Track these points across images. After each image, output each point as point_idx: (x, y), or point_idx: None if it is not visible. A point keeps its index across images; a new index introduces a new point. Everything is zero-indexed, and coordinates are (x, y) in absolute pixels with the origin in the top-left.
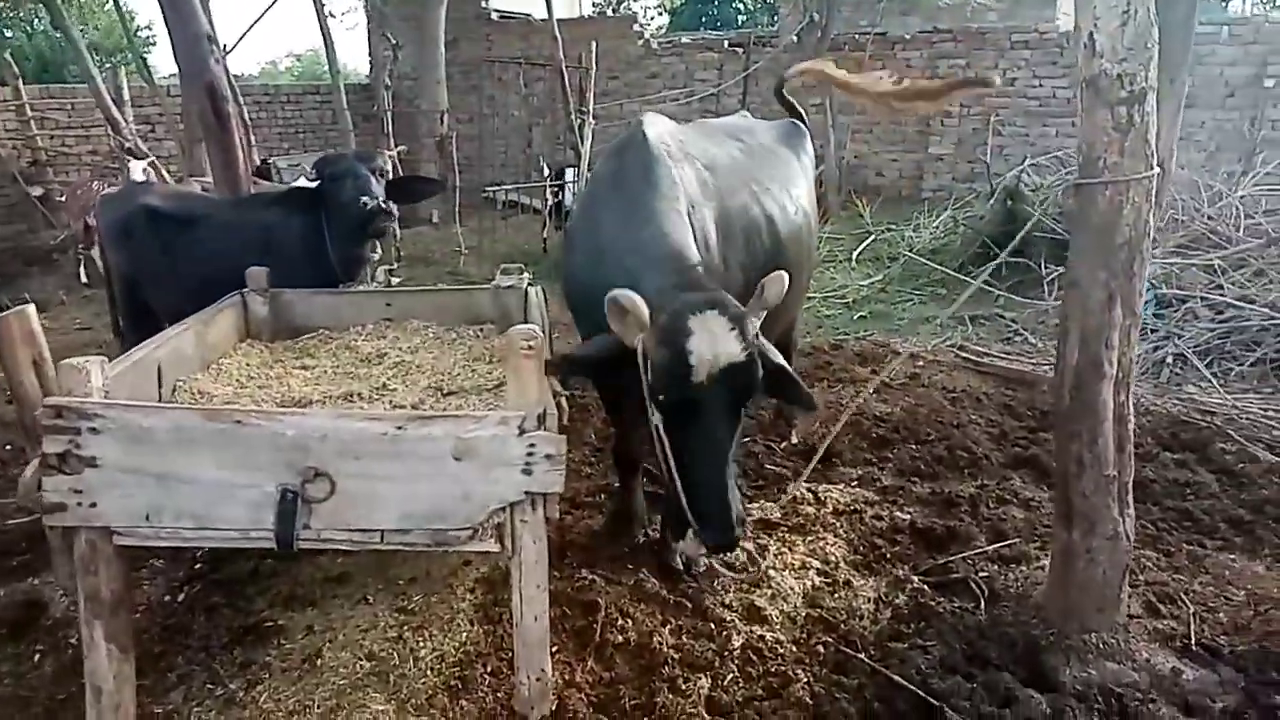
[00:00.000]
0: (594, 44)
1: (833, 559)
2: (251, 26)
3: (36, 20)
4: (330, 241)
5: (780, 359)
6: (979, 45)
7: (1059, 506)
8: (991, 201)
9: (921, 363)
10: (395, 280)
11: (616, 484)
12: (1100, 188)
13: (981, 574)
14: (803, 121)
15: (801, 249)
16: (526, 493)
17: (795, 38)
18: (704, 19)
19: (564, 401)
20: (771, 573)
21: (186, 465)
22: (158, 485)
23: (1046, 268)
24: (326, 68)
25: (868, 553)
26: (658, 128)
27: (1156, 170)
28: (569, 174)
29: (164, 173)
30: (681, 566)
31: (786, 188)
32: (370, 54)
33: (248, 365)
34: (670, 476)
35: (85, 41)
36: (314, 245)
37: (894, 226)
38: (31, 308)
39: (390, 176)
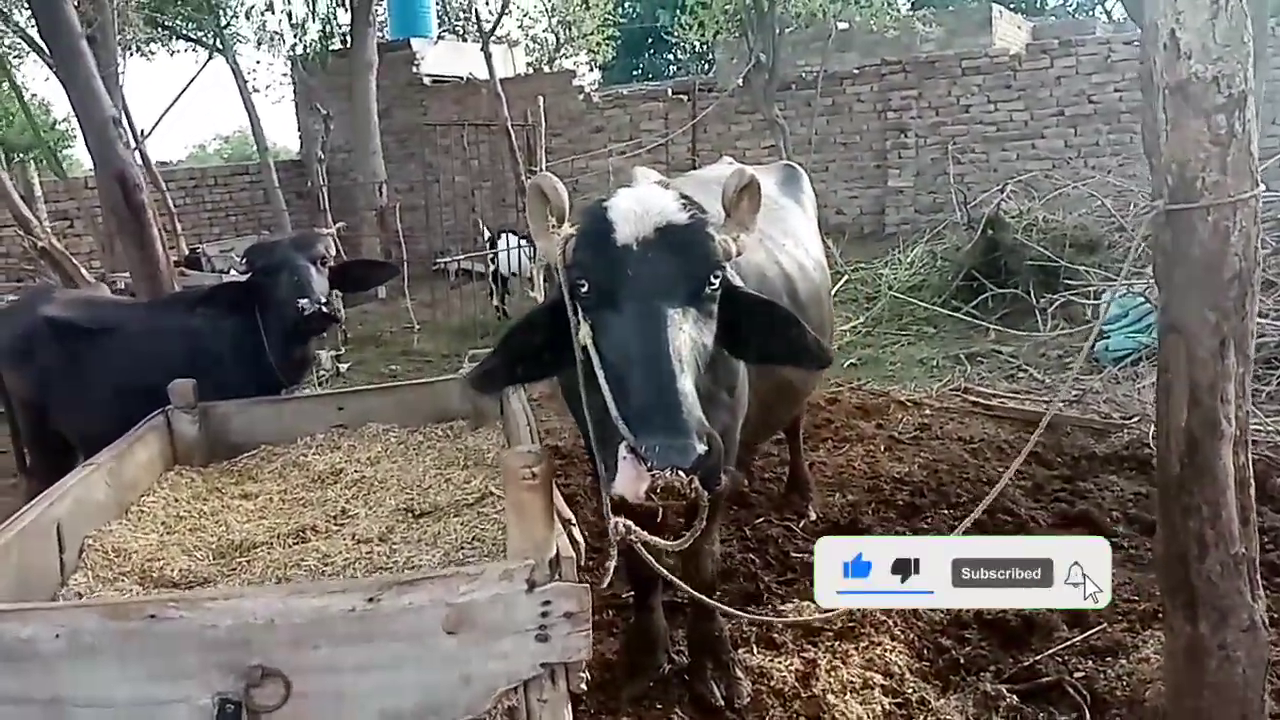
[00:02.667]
0: (540, 99)
1: (896, 670)
2: (169, 108)
3: None
4: (268, 343)
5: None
6: (929, 74)
7: (1175, 594)
8: (969, 231)
9: (929, 411)
10: (343, 367)
11: (628, 597)
12: (1201, 213)
13: (1077, 674)
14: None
15: (823, 311)
16: (544, 665)
17: (741, 81)
18: (635, 72)
19: (577, 533)
20: (830, 698)
21: (88, 683)
22: (47, 716)
23: (1038, 297)
24: (252, 153)
25: (935, 658)
26: (649, 180)
27: (1263, 188)
28: (505, 240)
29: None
30: (722, 699)
31: (800, 241)
32: (300, 128)
33: (176, 501)
34: (605, 394)
35: None
36: (248, 348)
37: (865, 265)
38: None
39: (332, 261)
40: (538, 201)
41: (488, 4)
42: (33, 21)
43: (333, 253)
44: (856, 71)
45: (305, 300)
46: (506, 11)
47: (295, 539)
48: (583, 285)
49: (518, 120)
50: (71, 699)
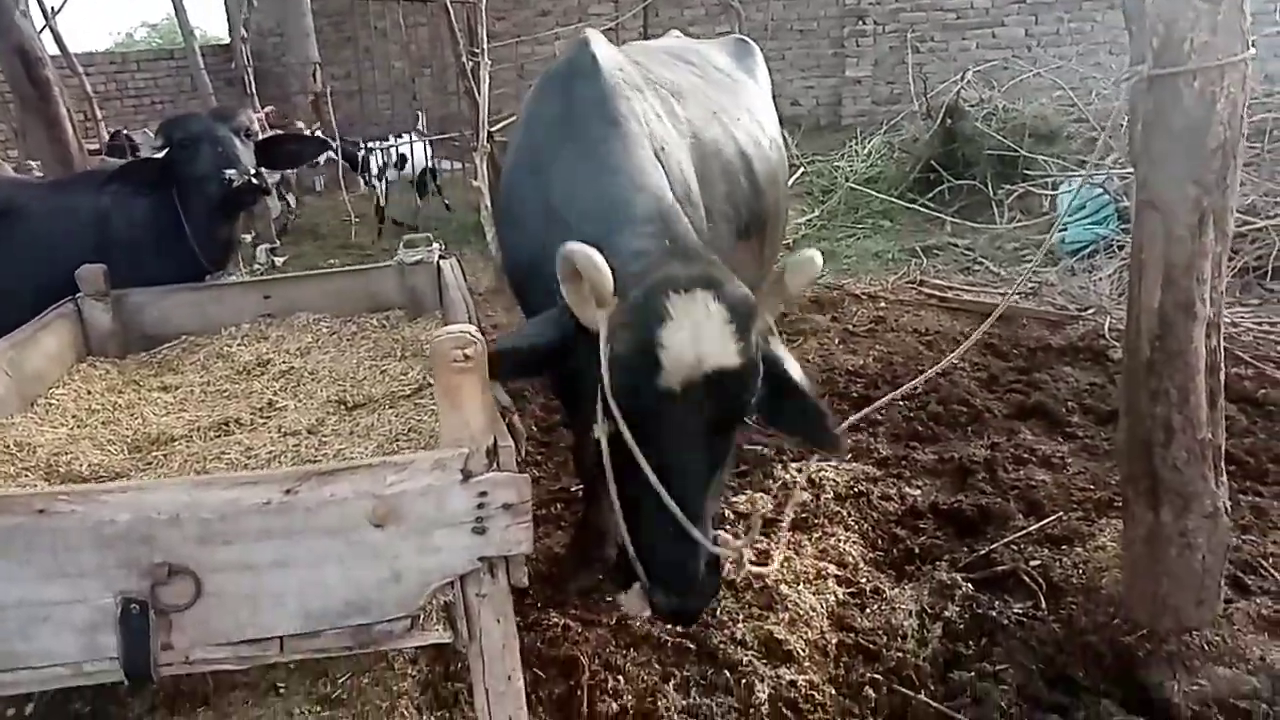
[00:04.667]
0: None
1: (850, 560)
2: None
3: None
4: (187, 223)
5: (799, 373)
6: None
7: (1137, 481)
8: (928, 122)
9: (884, 304)
10: (279, 260)
11: (576, 490)
12: (1187, 78)
13: (1033, 562)
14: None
15: (779, 191)
16: (482, 559)
17: None
18: None
19: (517, 420)
20: (784, 588)
21: None
22: None
23: (995, 189)
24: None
25: (889, 547)
26: (606, 49)
27: (1253, 51)
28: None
29: None
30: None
31: (755, 117)
32: (227, 8)
33: (88, 394)
34: (617, 508)
35: None
36: (166, 230)
37: (821, 158)
38: None
39: (258, 135)
40: (571, 280)
41: None
42: None
43: (258, 129)
44: None
45: (232, 171)
46: None
47: (217, 432)
48: (617, 402)
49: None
50: None
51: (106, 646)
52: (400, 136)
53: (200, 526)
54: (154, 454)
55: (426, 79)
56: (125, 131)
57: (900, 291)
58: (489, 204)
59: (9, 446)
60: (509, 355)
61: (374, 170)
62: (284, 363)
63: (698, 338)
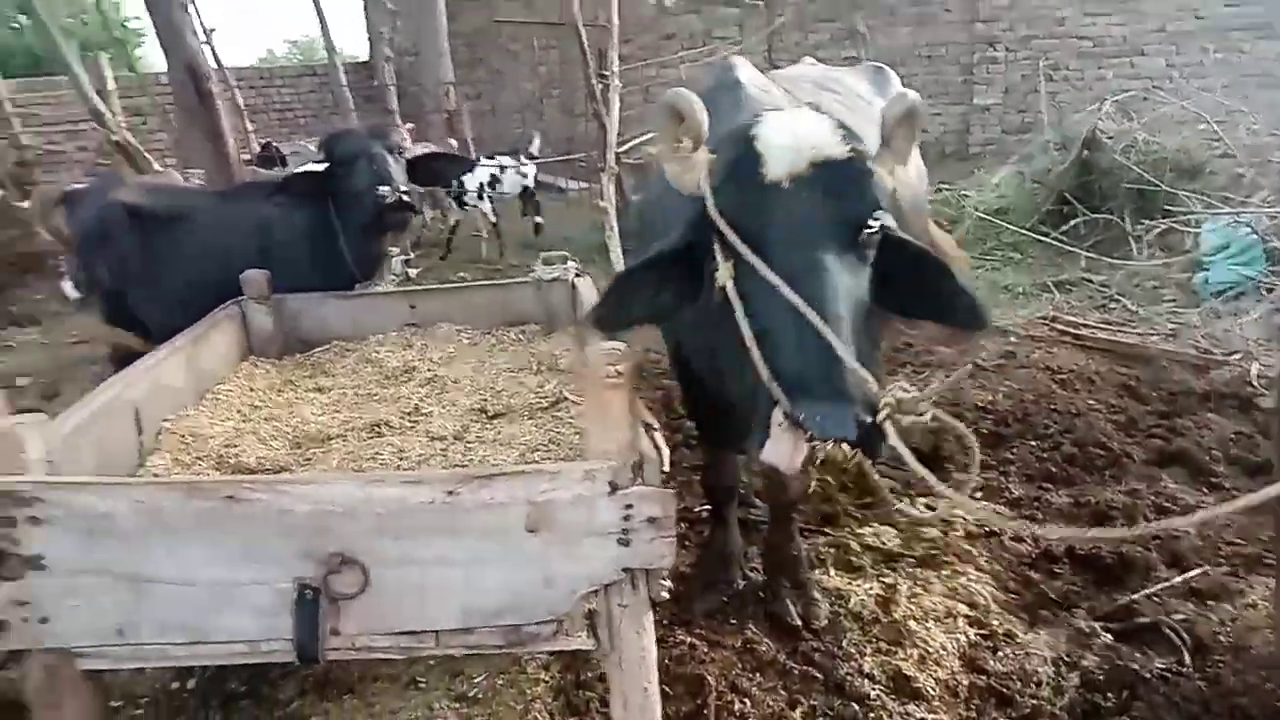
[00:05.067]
0: (614, 1)
1: (981, 601)
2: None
3: (27, 16)
4: (343, 235)
5: (920, 244)
6: None
7: None
8: (1061, 153)
9: (1014, 339)
10: (413, 272)
11: (704, 512)
12: None
13: (1177, 616)
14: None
15: (923, 221)
16: (625, 570)
17: None
18: None
19: (660, 438)
20: (912, 624)
21: (168, 561)
22: (131, 590)
23: (1134, 224)
24: (324, 49)
25: (1023, 590)
26: (750, 72)
27: None
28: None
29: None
30: (798, 619)
31: None
32: (368, 29)
33: (251, 391)
34: (754, 352)
35: (73, 35)
36: (322, 241)
37: (948, 186)
38: None
39: (408, 154)
40: (669, 119)
41: None
42: None
43: (409, 145)
44: None
45: (385, 188)
46: None
47: (370, 433)
48: (728, 228)
49: (586, 22)
50: (151, 575)
51: (282, 628)
52: (492, 158)
53: (371, 521)
54: (313, 450)
55: (555, 100)
56: (274, 143)
57: (1031, 327)
58: (614, 224)
59: (185, 436)
60: (622, 283)
61: (472, 190)
62: (428, 370)
63: (797, 129)
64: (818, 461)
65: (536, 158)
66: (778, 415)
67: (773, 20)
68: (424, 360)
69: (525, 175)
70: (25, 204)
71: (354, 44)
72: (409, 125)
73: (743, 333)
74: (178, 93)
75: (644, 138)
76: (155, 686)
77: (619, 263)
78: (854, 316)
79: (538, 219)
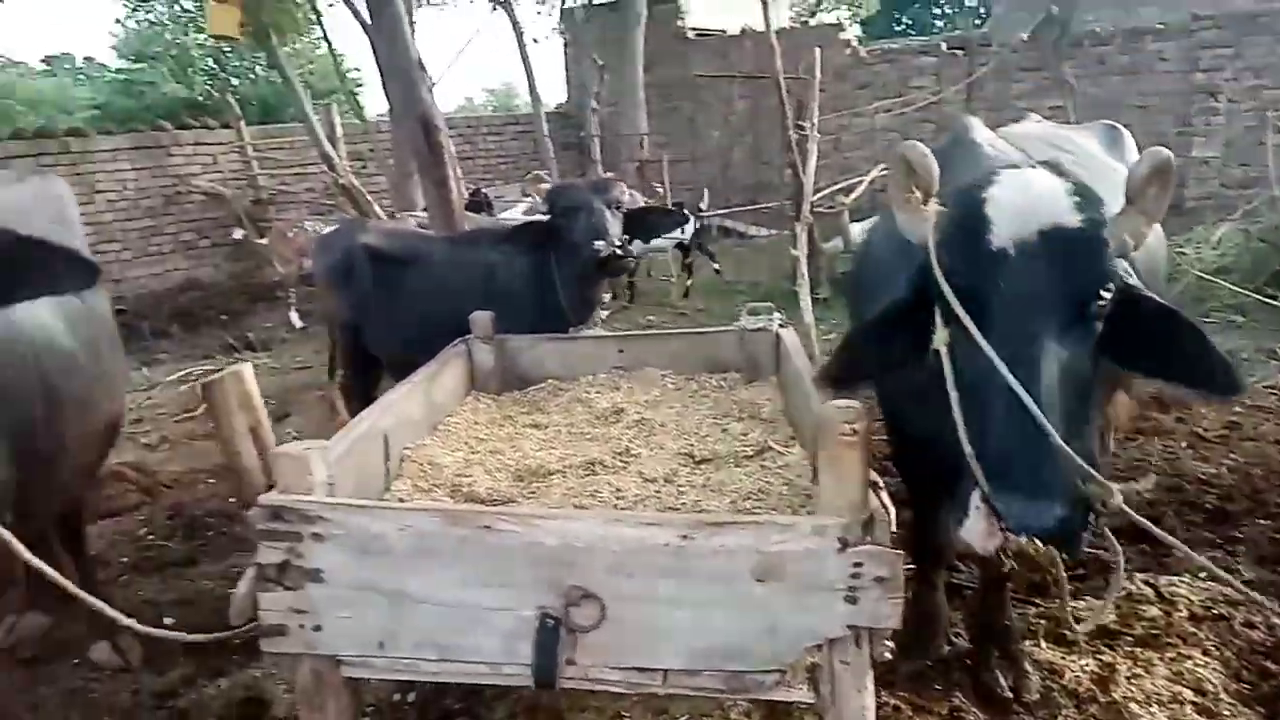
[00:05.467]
0: (817, 52)
1: (1209, 688)
2: (457, 56)
3: (259, 66)
4: (560, 282)
5: (1167, 304)
6: (1249, 30)
7: None
8: None
9: (1239, 408)
10: (604, 314)
11: (910, 573)
12: None
13: None
14: None
15: (1160, 285)
16: (850, 627)
17: (1027, 35)
18: (897, 27)
19: (888, 498)
20: (1134, 707)
21: (427, 581)
22: (393, 606)
23: None
24: (519, 101)
25: (1258, 681)
26: (985, 133)
27: None
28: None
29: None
30: (1009, 691)
31: None
32: (568, 80)
33: (476, 424)
34: (960, 423)
35: (301, 83)
36: (541, 286)
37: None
38: (248, 368)
39: (625, 207)
40: (902, 170)
41: None
42: None
43: (627, 199)
44: (1161, 27)
45: (601, 242)
46: None
47: (586, 471)
48: (947, 290)
49: (787, 73)
50: (413, 594)
51: (522, 653)
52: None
53: (610, 558)
54: (536, 485)
55: (743, 147)
56: (482, 189)
57: (1258, 396)
58: (805, 272)
59: (423, 464)
60: (852, 343)
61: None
62: (636, 413)
63: (1028, 194)
64: (1010, 552)
65: (701, 213)
66: (976, 497)
67: (973, 69)
68: (631, 402)
69: (683, 231)
70: (262, 240)
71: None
72: (610, 174)
73: (952, 403)
74: (412, 144)
75: (835, 187)
76: (379, 697)
77: (808, 311)
78: (1072, 398)
79: (689, 281)
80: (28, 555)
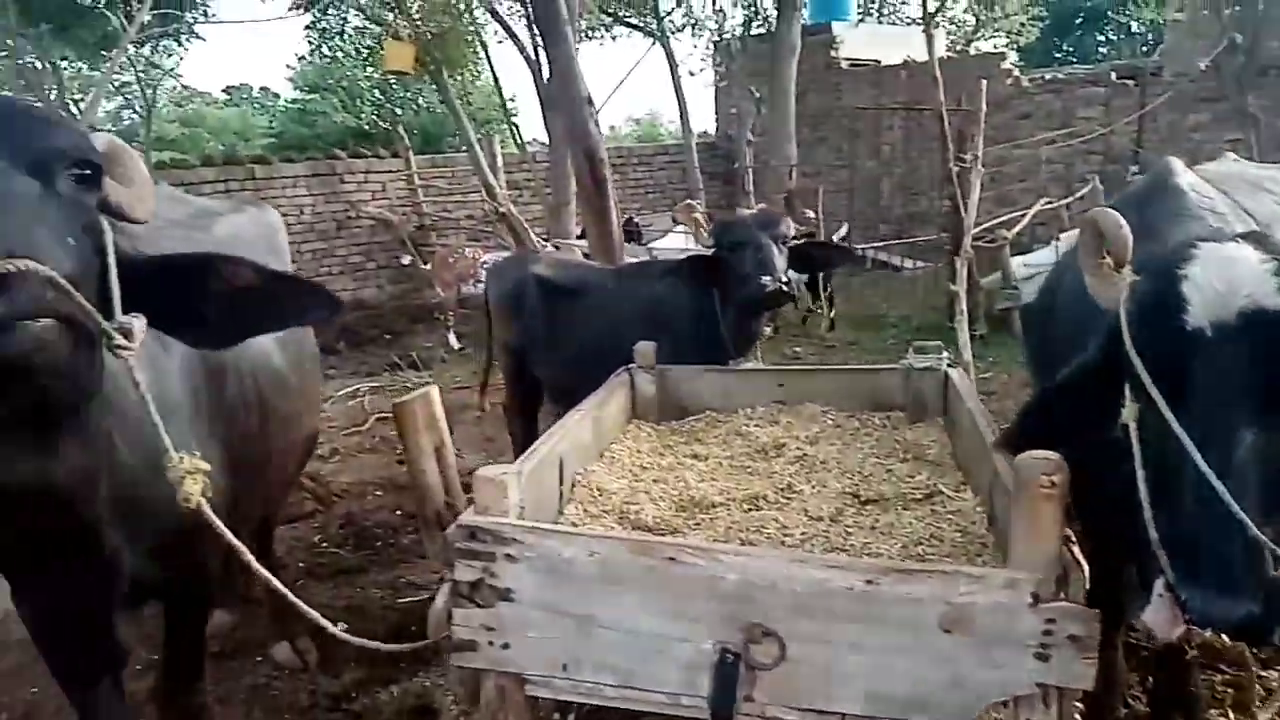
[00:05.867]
0: (983, 83)
1: None
2: (615, 89)
3: (421, 98)
4: (722, 315)
5: None
6: None
7: None
8: None
9: None
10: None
11: None
12: None
13: None
14: None
15: None
16: (1039, 685)
17: (1204, 65)
18: (1058, 55)
19: (1078, 552)
20: None
21: (612, 608)
22: (578, 629)
23: None
24: (663, 130)
25: None
26: (1188, 176)
27: None
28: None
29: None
30: None
31: None
32: (717, 112)
33: (638, 452)
34: (1145, 505)
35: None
36: (704, 319)
37: None
38: (434, 391)
39: (791, 242)
40: (1092, 235)
41: None
42: (513, 8)
43: (793, 233)
44: None
45: (767, 277)
46: None
47: (749, 505)
48: (1138, 367)
49: (936, 105)
50: (598, 619)
51: (700, 686)
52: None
53: (793, 598)
54: (700, 516)
55: (894, 178)
56: (633, 218)
57: None
58: (964, 308)
59: (593, 490)
60: (1041, 403)
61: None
62: (797, 449)
63: (1229, 273)
64: (1195, 641)
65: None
66: (1161, 584)
67: (1145, 100)
68: (791, 438)
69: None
70: (425, 265)
71: (695, 123)
72: (761, 206)
73: (1138, 482)
74: (577, 176)
75: (996, 221)
76: (539, 715)
77: (966, 348)
78: (1268, 487)
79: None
80: (253, 562)
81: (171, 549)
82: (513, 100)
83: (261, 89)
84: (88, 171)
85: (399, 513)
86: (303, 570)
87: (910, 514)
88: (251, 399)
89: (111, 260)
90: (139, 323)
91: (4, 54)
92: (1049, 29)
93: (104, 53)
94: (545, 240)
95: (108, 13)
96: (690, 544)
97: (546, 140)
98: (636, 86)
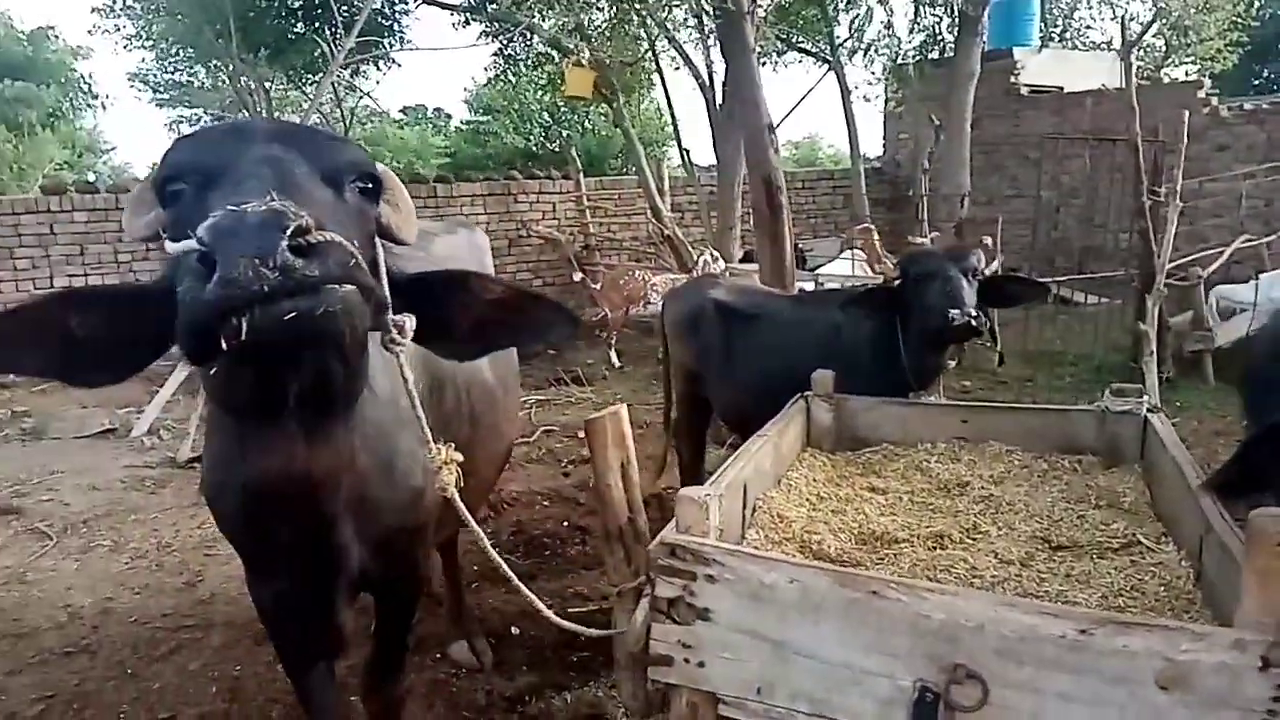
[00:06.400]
0: (1186, 115)
1: None
2: (789, 114)
3: (587, 120)
4: (905, 347)
5: None
6: None
7: None
8: None
9: None
10: None
11: None
12: None
13: None
14: None
15: None
16: None
17: None
18: (1256, 82)
19: None
20: None
21: (809, 636)
22: (773, 654)
23: None
24: (822, 154)
25: None
26: None
27: None
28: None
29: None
30: None
31: None
32: (885, 136)
33: (814, 481)
34: None
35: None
36: (885, 350)
37: None
38: (624, 410)
39: (984, 274)
40: None
41: (1102, 10)
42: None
43: (983, 266)
44: None
45: (955, 310)
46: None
47: (934, 543)
48: None
49: (1124, 134)
50: (795, 646)
51: None
52: None
53: (999, 641)
54: (884, 551)
55: (1073, 210)
56: (801, 245)
57: None
58: (1154, 347)
59: (773, 516)
60: (1262, 442)
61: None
62: (981, 488)
63: None
64: None
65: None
66: None
67: None
68: (975, 476)
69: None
70: (595, 285)
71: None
72: (934, 234)
73: None
74: (754, 202)
75: (1189, 258)
76: None
77: (1154, 389)
78: None
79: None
80: (495, 554)
81: (393, 546)
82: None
83: (435, 109)
84: (369, 185)
85: (566, 524)
86: (476, 574)
87: (1107, 563)
88: (465, 410)
89: (383, 269)
90: (411, 321)
91: (225, 75)
92: (1247, 55)
93: (309, 75)
94: (710, 259)
95: (317, 39)
96: (894, 579)
97: (701, 160)
98: (796, 107)
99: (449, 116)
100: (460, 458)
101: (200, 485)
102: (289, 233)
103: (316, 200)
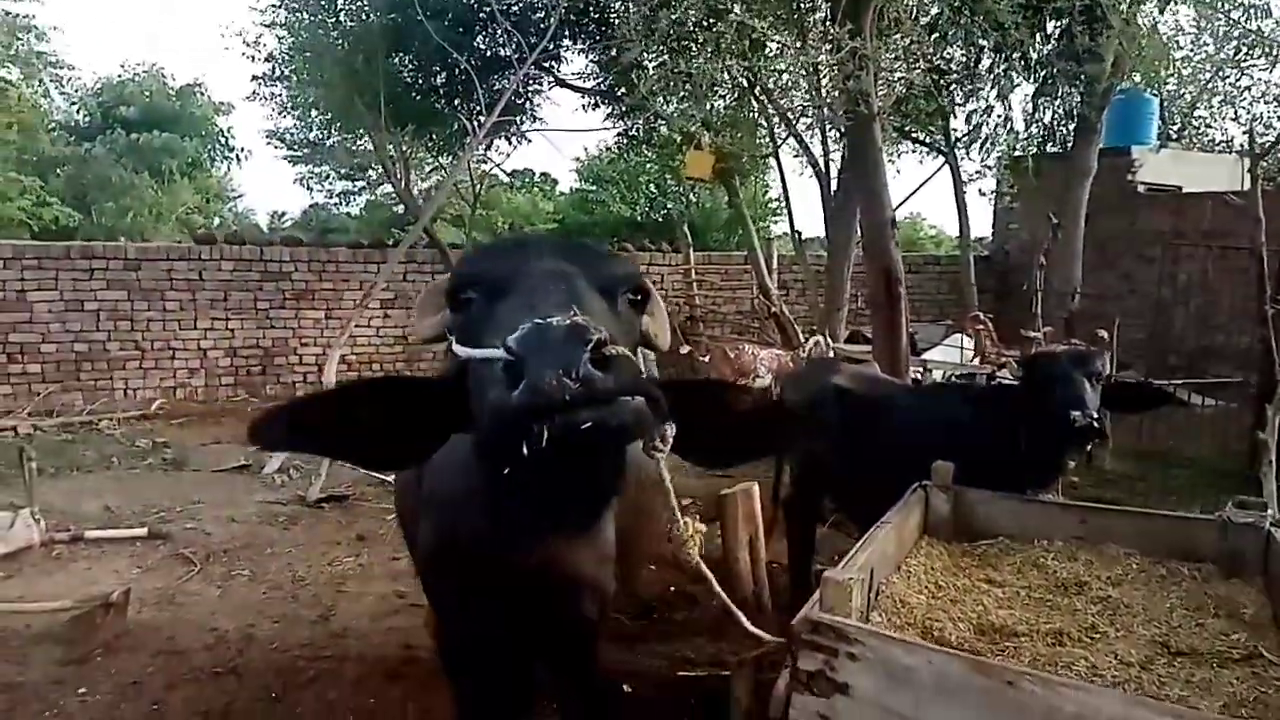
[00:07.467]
0: None
1: None
2: (902, 203)
3: (693, 193)
4: (1026, 447)
5: None
6: None
7: None
8: None
9: None
10: None
11: None
12: None
13: None
14: None
15: None
16: None
17: None
18: None
19: None
20: None
21: (943, 719)
22: None
23: None
24: (922, 236)
25: None
26: None
27: None
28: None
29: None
30: None
31: None
32: (994, 225)
33: (932, 570)
34: None
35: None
36: (1006, 448)
37: None
38: (755, 487)
39: (1104, 378)
40: None
41: (1223, 109)
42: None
43: (1107, 370)
44: None
45: (1078, 413)
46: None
47: (1053, 639)
48: None
49: (1246, 238)
50: None
51: None
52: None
53: None
54: (1003, 644)
55: (1189, 310)
56: (913, 330)
57: None
58: (1272, 458)
59: (895, 601)
60: None
61: None
62: (1099, 589)
63: None
64: None
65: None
66: None
67: None
68: (1093, 576)
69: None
70: (704, 357)
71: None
72: (1048, 329)
73: None
74: (872, 291)
75: None
76: None
77: (1273, 499)
78: None
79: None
80: (739, 615)
81: (588, 616)
82: (778, 201)
83: (542, 174)
84: (639, 297)
85: (673, 589)
86: None
87: (1229, 673)
88: (630, 495)
89: (643, 374)
90: (671, 429)
91: (367, 141)
92: None
93: (445, 147)
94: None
95: (458, 115)
96: (1030, 671)
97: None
98: (902, 192)
99: (555, 181)
100: (704, 528)
101: (413, 544)
102: (590, 346)
103: (599, 313)
